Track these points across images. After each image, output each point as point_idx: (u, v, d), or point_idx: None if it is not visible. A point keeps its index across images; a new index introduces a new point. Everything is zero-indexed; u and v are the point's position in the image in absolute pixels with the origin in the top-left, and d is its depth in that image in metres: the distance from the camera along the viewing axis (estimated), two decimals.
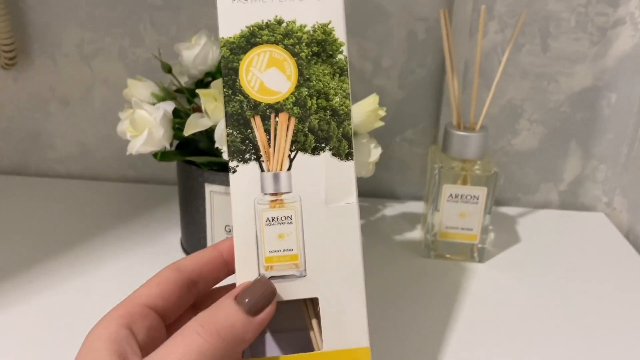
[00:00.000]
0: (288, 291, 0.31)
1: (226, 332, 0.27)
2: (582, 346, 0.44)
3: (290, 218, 0.31)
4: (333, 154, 0.32)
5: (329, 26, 0.32)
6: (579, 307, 0.49)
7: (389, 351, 0.42)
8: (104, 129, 0.70)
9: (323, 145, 0.32)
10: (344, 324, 0.32)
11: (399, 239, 0.60)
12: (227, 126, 0.31)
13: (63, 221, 0.60)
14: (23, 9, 0.66)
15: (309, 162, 0.31)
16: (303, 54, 0.32)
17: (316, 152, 0.31)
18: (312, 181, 0.31)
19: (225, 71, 0.31)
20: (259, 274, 0.31)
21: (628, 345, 0.44)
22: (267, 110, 0.31)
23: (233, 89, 0.31)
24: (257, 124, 0.31)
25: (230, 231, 0.50)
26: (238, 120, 0.31)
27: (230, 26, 0.31)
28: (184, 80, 0.52)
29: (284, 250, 0.31)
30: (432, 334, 0.44)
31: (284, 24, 0.32)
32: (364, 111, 0.48)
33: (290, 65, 0.32)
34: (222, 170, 0.48)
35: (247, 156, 0.31)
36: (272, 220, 0.31)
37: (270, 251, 0.31)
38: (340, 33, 0.32)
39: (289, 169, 0.31)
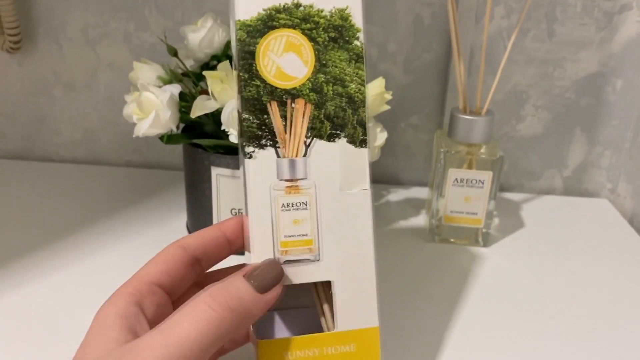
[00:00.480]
0: (303, 274, 0.31)
1: (235, 304, 0.28)
2: (584, 330, 0.44)
3: (305, 204, 0.31)
4: (348, 141, 0.32)
5: (347, 11, 0.32)
6: (582, 292, 0.49)
7: (394, 332, 0.43)
8: (109, 114, 0.70)
9: (339, 132, 0.32)
10: (355, 306, 0.32)
11: (404, 223, 0.60)
12: (243, 111, 0.31)
13: (68, 206, 0.60)
14: None
15: (324, 148, 0.31)
16: (320, 39, 0.31)
17: (332, 139, 0.32)
18: (327, 168, 0.32)
19: (241, 54, 0.31)
20: (275, 258, 0.31)
21: (631, 330, 0.44)
22: (284, 96, 0.31)
23: (250, 73, 0.31)
24: (273, 109, 0.31)
25: (236, 214, 0.50)
26: (255, 105, 0.31)
27: (248, 8, 0.31)
28: (189, 64, 0.52)
29: (299, 236, 0.31)
30: (437, 316, 0.45)
31: (301, 8, 0.31)
32: (371, 94, 0.47)
33: (307, 50, 0.31)
34: (228, 153, 0.48)
35: (264, 142, 0.31)
36: (288, 206, 0.31)
37: (285, 236, 0.31)
38: (357, 19, 0.32)
39: (305, 155, 0.31)
